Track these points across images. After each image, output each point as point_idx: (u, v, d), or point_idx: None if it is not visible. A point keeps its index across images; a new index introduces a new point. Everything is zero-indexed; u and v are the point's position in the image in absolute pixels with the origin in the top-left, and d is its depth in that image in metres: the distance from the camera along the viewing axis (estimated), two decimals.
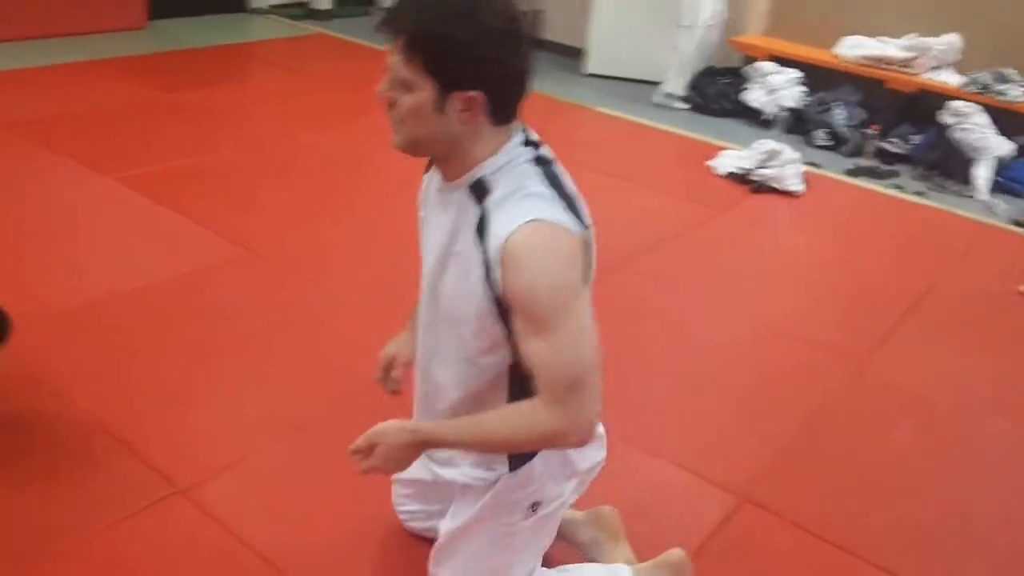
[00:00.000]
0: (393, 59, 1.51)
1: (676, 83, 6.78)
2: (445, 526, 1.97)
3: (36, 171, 4.50)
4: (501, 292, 1.54)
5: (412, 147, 1.59)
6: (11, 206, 4.05)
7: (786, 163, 5.26)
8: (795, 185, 5.22)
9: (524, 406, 1.59)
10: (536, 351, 1.53)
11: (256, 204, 4.30)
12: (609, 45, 7.36)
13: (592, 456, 1.91)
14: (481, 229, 1.56)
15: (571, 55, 7.77)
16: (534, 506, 1.84)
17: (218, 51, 7.13)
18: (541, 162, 1.62)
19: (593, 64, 7.50)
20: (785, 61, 6.67)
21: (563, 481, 1.86)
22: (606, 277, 4.07)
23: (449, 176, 1.65)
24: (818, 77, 6.55)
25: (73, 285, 3.45)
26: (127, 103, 5.68)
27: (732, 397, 3.23)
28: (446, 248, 1.66)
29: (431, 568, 2.02)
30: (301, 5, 8.40)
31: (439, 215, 1.71)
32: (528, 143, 1.65)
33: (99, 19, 7.14)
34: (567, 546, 2.27)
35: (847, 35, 6.53)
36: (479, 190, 1.58)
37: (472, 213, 1.59)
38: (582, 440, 1.61)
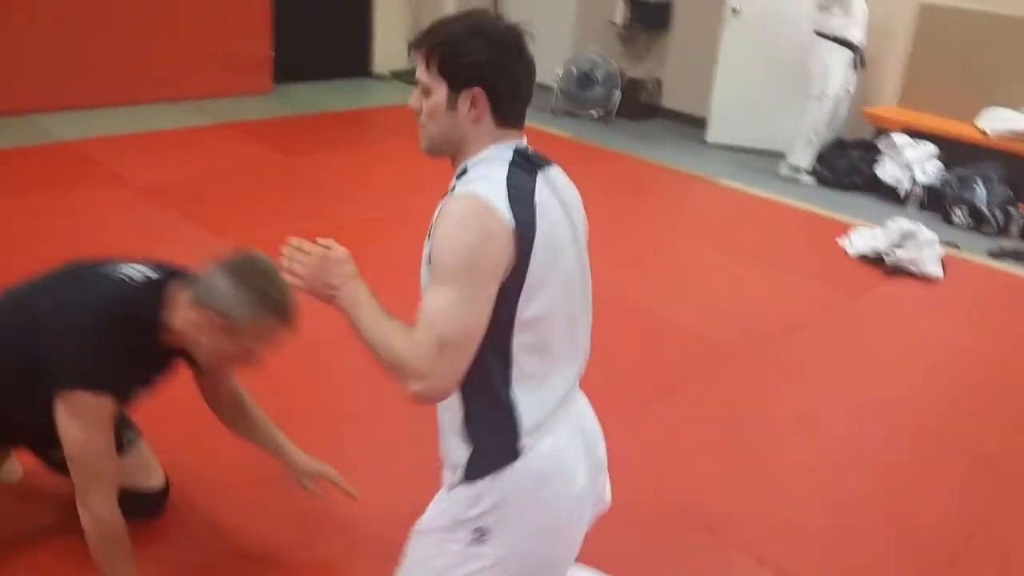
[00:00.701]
0: (418, 70, 1.73)
1: (803, 155, 6.54)
2: None
3: (163, 235, 4.56)
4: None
5: (432, 148, 1.78)
6: None
7: (923, 245, 4.97)
8: (933, 269, 4.92)
9: (408, 329, 1.67)
10: (425, 293, 1.68)
11: (374, 277, 4.22)
12: (732, 114, 7.20)
13: (567, 506, 1.82)
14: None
15: (691, 124, 7.63)
16: (479, 532, 1.76)
17: (339, 116, 7.23)
18: (517, 164, 1.74)
19: (714, 133, 7.33)
20: (920, 134, 6.39)
21: (523, 520, 1.76)
22: (728, 365, 3.92)
23: (455, 171, 1.79)
24: (956, 151, 6.24)
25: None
26: (251, 167, 5.76)
27: (877, 513, 2.95)
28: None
29: None
30: None
31: None
32: (521, 154, 1.76)
33: (227, 84, 7.37)
34: None
35: (987, 107, 6.22)
36: (461, 175, 1.74)
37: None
38: (418, 390, 1.63)
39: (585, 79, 7.75)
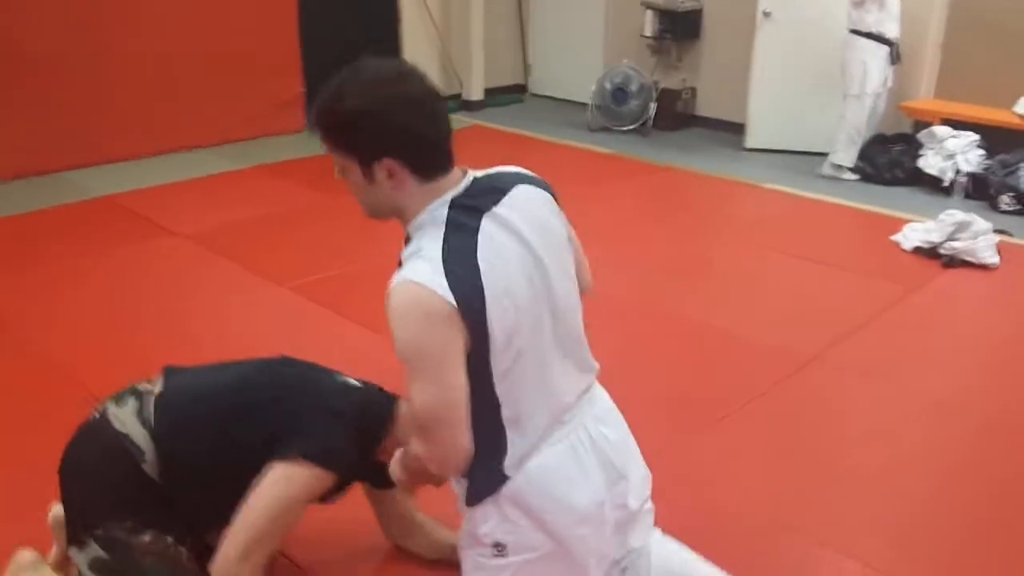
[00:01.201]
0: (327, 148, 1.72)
1: (845, 154, 6.48)
2: None
3: (215, 282, 4.60)
4: None
5: (372, 215, 1.81)
6: (183, 316, 4.11)
7: (978, 234, 4.91)
8: (990, 257, 4.85)
9: None
10: (408, 389, 1.68)
11: None
12: (769, 117, 7.17)
13: (566, 522, 1.84)
14: None
15: (728, 130, 7.61)
16: (498, 547, 1.83)
17: None
18: (453, 224, 1.69)
19: (753, 138, 7.29)
20: (959, 123, 6.32)
21: (531, 532, 1.82)
22: (797, 370, 3.85)
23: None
24: (997, 138, 6.19)
25: None
26: (292, 208, 5.79)
27: (962, 518, 2.87)
28: None
29: None
30: (454, 97, 8.50)
31: None
32: (459, 203, 1.71)
33: (260, 125, 7.41)
34: None
35: None
36: (407, 243, 1.74)
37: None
38: (440, 469, 1.79)
39: (620, 93, 7.75)
